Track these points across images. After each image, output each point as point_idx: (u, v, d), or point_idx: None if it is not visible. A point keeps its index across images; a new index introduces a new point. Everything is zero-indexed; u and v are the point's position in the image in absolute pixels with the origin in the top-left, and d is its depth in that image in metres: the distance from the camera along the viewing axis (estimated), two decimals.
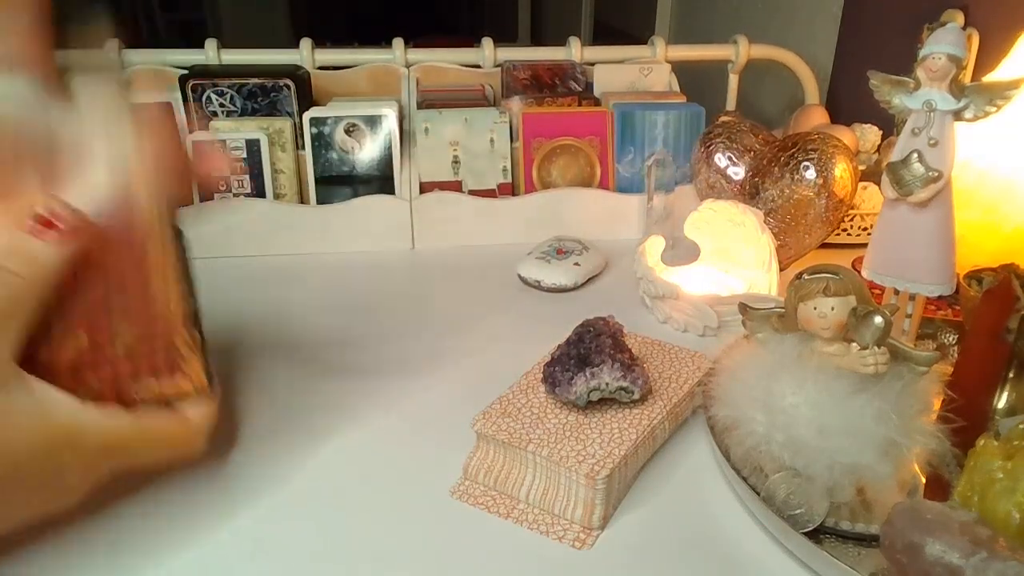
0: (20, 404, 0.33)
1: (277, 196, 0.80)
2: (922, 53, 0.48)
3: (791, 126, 0.94)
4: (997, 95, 0.47)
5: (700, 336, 0.63)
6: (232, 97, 0.82)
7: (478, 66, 0.98)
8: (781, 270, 0.67)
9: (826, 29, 1.17)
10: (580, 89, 0.93)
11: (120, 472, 0.38)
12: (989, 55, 0.79)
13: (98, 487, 0.38)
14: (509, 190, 0.84)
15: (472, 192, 0.82)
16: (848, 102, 1.11)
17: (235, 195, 0.79)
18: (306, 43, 0.95)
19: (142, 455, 0.39)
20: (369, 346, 0.61)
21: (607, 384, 0.45)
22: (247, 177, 0.79)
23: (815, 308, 0.39)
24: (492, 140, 0.82)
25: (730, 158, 0.73)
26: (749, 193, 0.71)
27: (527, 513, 0.43)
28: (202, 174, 0.44)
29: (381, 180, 0.81)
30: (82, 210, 0.34)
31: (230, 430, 0.50)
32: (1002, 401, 0.46)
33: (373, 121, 0.80)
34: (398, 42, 0.96)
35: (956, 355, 0.56)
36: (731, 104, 1.07)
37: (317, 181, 0.80)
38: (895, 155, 0.50)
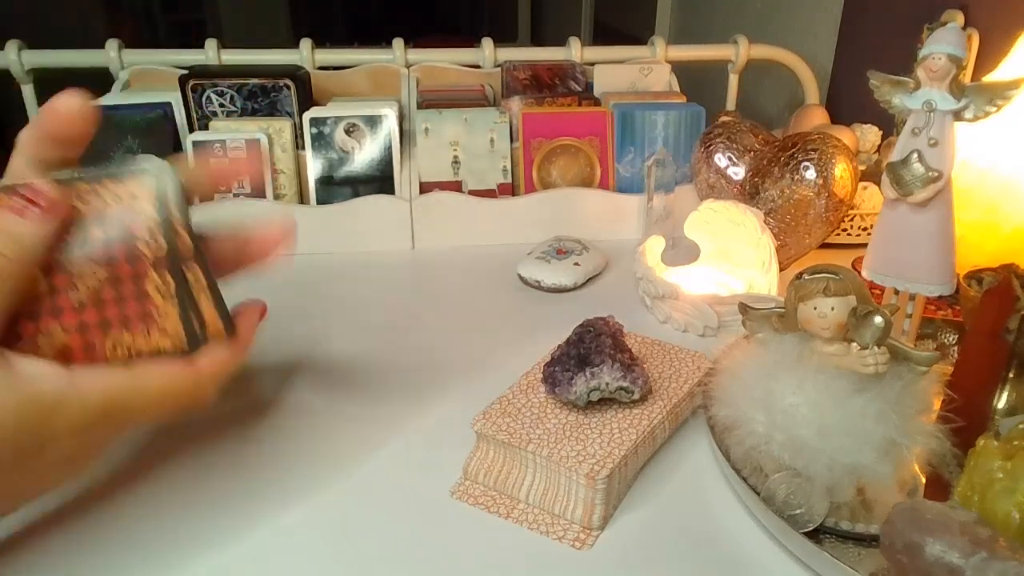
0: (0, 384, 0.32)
1: (277, 196, 0.81)
2: (922, 53, 0.48)
3: (791, 126, 0.94)
4: (997, 95, 0.47)
5: (700, 336, 0.63)
6: (232, 97, 0.82)
7: (478, 66, 0.98)
8: (781, 270, 0.67)
9: (826, 29, 1.17)
10: (580, 89, 0.93)
11: (125, 426, 0.37)
12: (989, 55, 0.79)
13: (101, 445, 0.37)
14: (509, 190, 0.84)
15: (472, 192, 0.82)
16: (848, 102, 1.11)
17: (235, 195, 0.79)
18: (306, 43, 0.95)
19: (144, 413, 0.36)
20: (369, 346, 0.61)
21: (607, 384, 0.45)
22: (247, 178, 0.79)
23: (815, 308, 0.39)
24: (492, 140, 0.82)
25: (730, 158, 0.73)
26: (749, 193, 0.71)
27: (527, 513, 0.43)
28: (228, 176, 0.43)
29: (381, 180, 0.81)
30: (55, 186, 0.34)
31: (227, 429, 0.50)
32: (1002, 401, 0.46)
33: (373, 121, 0.80)
34: (398, 42, 0.96)
35: (956, 355, 0.56)
36: (731, 104, 1.07)
37: (317, 181, 0.80)
38: (895, 155, 0.50)
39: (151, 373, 0.36)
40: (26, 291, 0.34)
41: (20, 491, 0.36)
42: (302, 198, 0.82)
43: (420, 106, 0.86)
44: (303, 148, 0.80)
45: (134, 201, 0.35)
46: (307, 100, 0.84)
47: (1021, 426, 0.38)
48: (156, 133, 0.81)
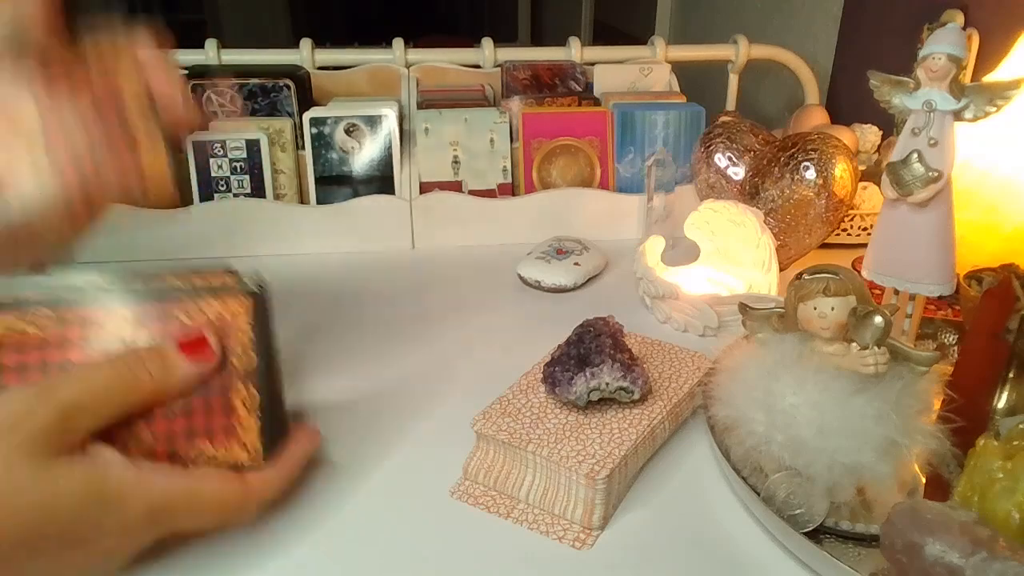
0: (76, 466, 0.33)
1: (277, 196, 0.81)
2: (922, 53, 0.48)
3: (791, 126, 0.94)
4: (997, 95, 0.47)
5: (700, 336, 0.63)
6: (232, 97, 0.82)
7: (478, 66, 0.98)
8: (781, 270, 0.67)
9: (826, 29, 1.17)
10: (580, 89, 0.93)
11: (165, 535, 0.36)
12: (989, 55, 0.79)
13: (135, 552, 0.36)
14: (509, 190, 0.84)
15: (472, 192, 0.82)
16: (848, 102, 1.11)
17: (235, 195, 0.79)
18: (306, 43, 0.95)
19: (189, 520, 0.37)
20: (368, 346, 0.61)
21: (607, 384, 0.45)
22: (247, 177, 0.79)
23: (815, 308, 0.39)
24: (492, 140, 0.82)
25: (730, 158, 0.73)
26: (749, 193, 0.71)
27: (527, 513, 0.43)
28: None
29: (381, 180, 0.81)
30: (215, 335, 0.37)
31: None
32: (1002, 401, 0.46)
33: (373, 121, 0.80)
34: (398, 42, 0.96)
35: (956, 355, 0.56)
36: (731, 104, 1.07)
37: (317, 181, 0.80)
38: (895, 155, 0.50)
39: (207, 483, 0.37)
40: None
41: None
42: (302, 198, 0.82)
43: (420, 106, 0.86)
44: (303, 148, 0.80)
45: (234, 319, 0.38)
46: (307, 100, 0.84)
47: (1021, 426, 0.38)
48: None
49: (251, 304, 0.39)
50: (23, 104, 0.36)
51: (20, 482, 0.31)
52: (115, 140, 0.38)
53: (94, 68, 0.38)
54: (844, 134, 0.83)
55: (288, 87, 0.82)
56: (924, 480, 0.43)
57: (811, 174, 0.66)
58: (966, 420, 0.40)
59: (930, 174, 0.49)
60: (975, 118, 0.48)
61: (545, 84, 0.93)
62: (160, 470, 0.36)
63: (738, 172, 0.73)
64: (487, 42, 0.97)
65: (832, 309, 0.39)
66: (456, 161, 0.82)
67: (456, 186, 0.82)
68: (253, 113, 0.82)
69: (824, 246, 0.72)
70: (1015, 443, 0.37)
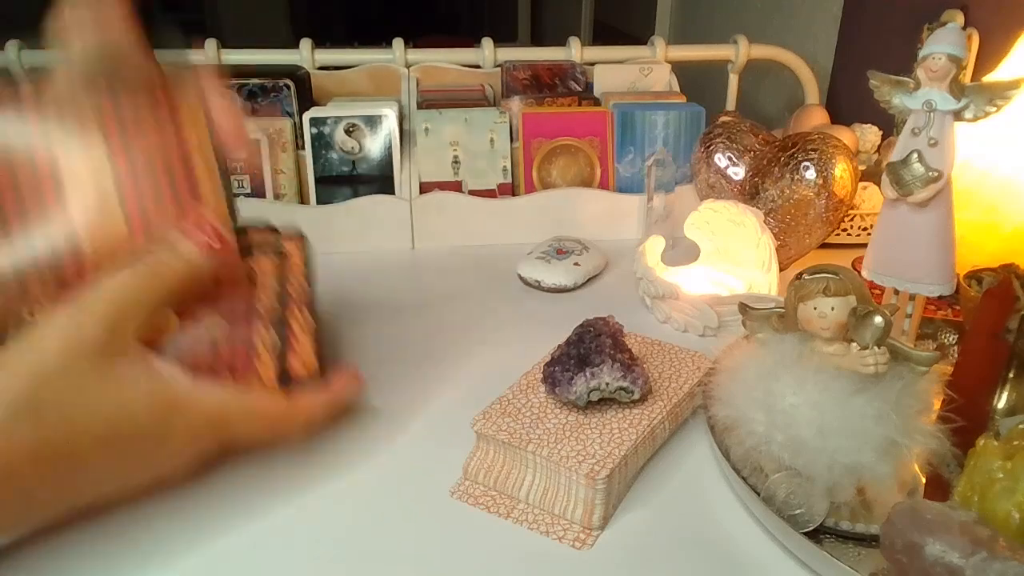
0: (139, 370, 0.38)
1: (277, 196, 0.81)
2: (922, 53, 0.48)
3: (791, 126, 0.94)
4: (997, 95, 0.47)
5: (700, 336, 0.63)
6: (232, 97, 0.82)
7: (478, 66, 0.98)
8: (781, 270, 0.67)
9: (826, 29, 1.17)
10: (580, 89, 0.93)
11: (224, 443, 0.42)
12: (989, 55, 0.79)
13: (200, 458, 0.42)
14: (509, 190, 0.84)
15: (472, 192, 0.82)
16: (848, 102, 1.11)
17: (235, 195, 0.79)
18: (306, 43, 0.95)
19: (242, 431, 0.42)
20: (368, 346, 0.61)
21: (607, 384, 0.45)
22: (247, 177, 0.79)
23: (815, 308, 0.39)
24: (492, 140, 0.82)
25: (730, 158, 0.73)
26: (749, 193, 0.71)
27: (527, 513, 0.43)
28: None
29: (381, 180, 0.81)
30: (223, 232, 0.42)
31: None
32: (1002, 401, 0.46)
33: (373, 121, 0.80)
34: (398, 42, 0.96)
35: (956, 355, 0.56)
36: (731, 104, 1.07)
37: (317, 181, 0.80)
38: (895, 155, 0.50)
39: (256, 396, 0.43)
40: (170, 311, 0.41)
41: (132, 474, 0.40)
42: (302, 198, 0.82)
43: (420, 106, 0.86)
44: (303, 148, 0.80)
45: (291, 257, 0.47)
46: (307, 100, 0.84)
47: (1021, 426, 0.38)
48: None
49: (302, 243, 0.47)
50: (93, 145, 0.39)
51: (90, 388, 0.36)
52: (181, 191, 0.42)
53: (163, 110, 0.41)
54: (844, 134, 0.83)
55: (288, 87, 0.82)
56: (924, 480, 0.43)
57: (811, 174, 0.66)
58: (966, 420, 0.40)
59: (930, 174, 0.49)
60: (975, 118, 0.48)
61: (545, 84, 0.93)
62: (216, 385, 0.41)
63: (738, 172, 0.73)
64: (487, 42, 0.97)
65: (832, 309, 0.39)
66: (456, 161, 0.82)
67: (456, 186, 0.83)
68: (253, 113, 0.82)
69: (824, 246, 0.72)
70: (1015, 443, 0.37)
